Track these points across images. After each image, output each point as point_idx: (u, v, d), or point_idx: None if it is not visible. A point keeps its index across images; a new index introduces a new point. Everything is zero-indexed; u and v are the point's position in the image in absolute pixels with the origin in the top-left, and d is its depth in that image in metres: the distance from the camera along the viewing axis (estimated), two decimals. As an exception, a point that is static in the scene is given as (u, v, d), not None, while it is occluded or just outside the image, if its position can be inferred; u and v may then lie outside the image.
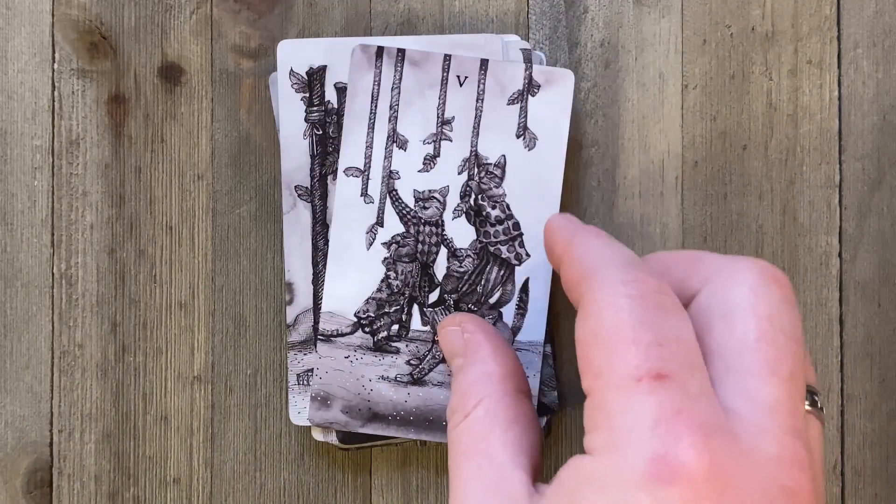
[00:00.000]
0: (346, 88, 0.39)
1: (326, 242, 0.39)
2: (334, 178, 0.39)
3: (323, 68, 0.39)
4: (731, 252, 0.41)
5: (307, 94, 0.39)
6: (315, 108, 0.39)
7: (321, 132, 0.39)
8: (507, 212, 0.39)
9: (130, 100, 0.41)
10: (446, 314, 0.38)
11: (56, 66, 0.41)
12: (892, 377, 0.41)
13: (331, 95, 0.39)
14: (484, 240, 0.39)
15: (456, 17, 0.41)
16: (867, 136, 0.41)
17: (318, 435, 0.39)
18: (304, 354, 0.39)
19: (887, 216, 0.41)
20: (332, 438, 0.39)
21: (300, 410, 0.39)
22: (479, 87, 0.39)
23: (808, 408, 0.30)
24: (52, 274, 0.40)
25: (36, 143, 0.41)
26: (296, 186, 0.39)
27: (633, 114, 0.41)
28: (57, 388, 0.40)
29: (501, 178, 0.39)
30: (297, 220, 0.39)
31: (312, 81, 0.39)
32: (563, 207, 0.41)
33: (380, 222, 0.39)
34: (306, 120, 0.39)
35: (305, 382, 0.39)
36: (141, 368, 0.40)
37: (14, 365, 0.40)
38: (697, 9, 0.41)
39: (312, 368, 0.39)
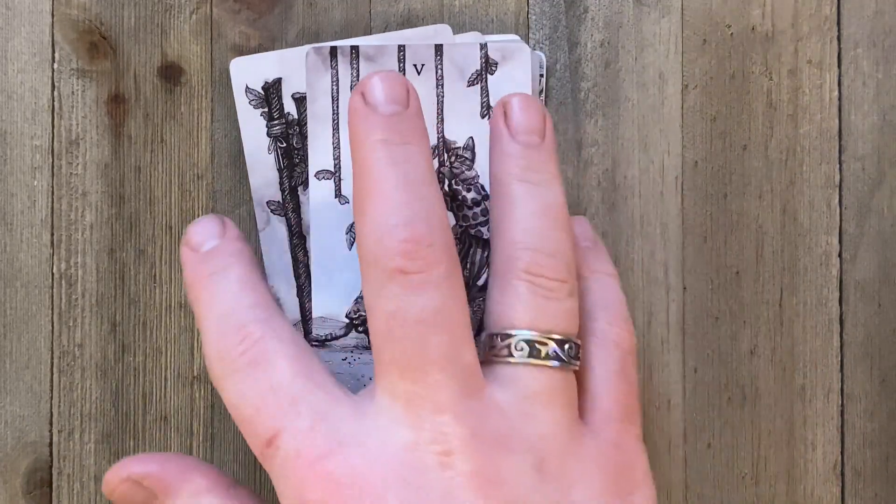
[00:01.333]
0: (304, 98, 0.39)
1: (306, 254, 0.39)
2: (304, 189, 0.39)
3: (278, 81, 0.39)
4: (731, 253, 0.41)
5: (266, 109, 0.39)
6: (276, 122, 0.39)
7: (285, 145, 0.39)
8: (483, 192, 0.39)
9: (130, 100, 0.41)
10: None
11: (56, 66, 0.41)
12: (892, 377, 0.41)
13: (290, 107, 0.39)
14: (463, 223, 0.39)
15: (456, 17, 0.41)
16: (867, 136, 0.41)
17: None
18: None
19: (887, 216, 0.41)
20: None
21: None
22: (437, 73, 0.39)
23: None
24: (52, 274, 0.40)
25: (36, 143, 0.41)
26: (267, 202, 0.39)
27: (633, 114, 0.41)
28: (57, 388, 0.40)
29: (472, 160, 0.39)
30: (273, 237, 0.39)
31: (269, 95, 0.39)
32: (563, 207, 0.41)
33: None
34: (269, 135, 0.39)
35: None
36: (141, 368, 0.40)
37: (14, 365, 0.40)
38: (697, 9, 0.41)
39: None
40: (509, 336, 0.31)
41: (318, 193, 0.39)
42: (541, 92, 0.40)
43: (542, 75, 0.40)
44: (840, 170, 0.41)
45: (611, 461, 0.31)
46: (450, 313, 0.30)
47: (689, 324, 0.40)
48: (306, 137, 0.39)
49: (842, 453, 0.41)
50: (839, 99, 0.41)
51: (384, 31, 0.41)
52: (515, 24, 0.41)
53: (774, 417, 0.40)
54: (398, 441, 0.29)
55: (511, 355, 0.31)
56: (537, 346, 0.31)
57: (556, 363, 0.31)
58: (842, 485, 0.40)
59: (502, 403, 0.30)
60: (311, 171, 0.39)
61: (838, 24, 0.41)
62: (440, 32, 0.39)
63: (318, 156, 0.39)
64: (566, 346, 0.31)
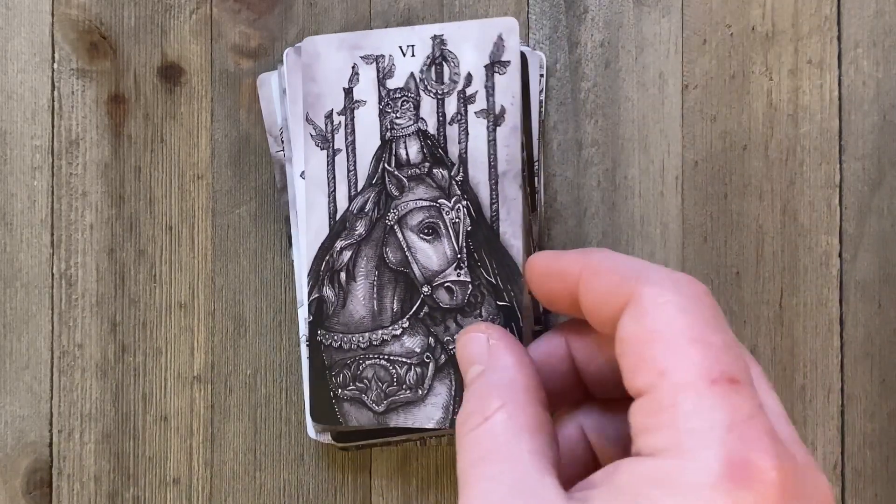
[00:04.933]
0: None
1: None
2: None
3: None
4: (731, 253, 0.41)
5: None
6: None
7: None
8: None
9: (130, 100, 0.41)
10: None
11: (56, 66, 0.41)
12: (892, 377, 0.41)
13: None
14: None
15: (456, 16, 0.41)
16: (867, 136, 0.41)
17: (313, 434, 0.39)
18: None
19: (887, 216, 0.41)
20: (327, 438, 0.39)
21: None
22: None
23: None
24: (52, 274, 0.40)
25: (36, 143, 0.41)
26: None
27: (633, 114, 0.41)
28: (57, 388, 0.40)
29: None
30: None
31: None
32: (564, 208, 0.41)
33: None
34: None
35: None
36: (141, 368, 0.40)
37: (14, 365, 0.40)
38: (697, 9, 0.41)
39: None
40: None
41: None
42: (540, 92, 0.40)
43: (542, 75, 0.40)
44: (840, 170, 0.41)
45: None
46: None
47: (689, 324, 0.40)
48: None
49: (842, 453, 0.41)
50: (839, 99, 0.41)
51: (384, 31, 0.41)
52: (515, 23, 0.41)
53: (774, 417, 0.40)
54: None
55: None
56: None
57: None
58: (842, 485, 0.40)
59: None
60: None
61: (838, 24, 0.41)
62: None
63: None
64: None
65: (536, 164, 0.40)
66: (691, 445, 0.25)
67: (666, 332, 0.27)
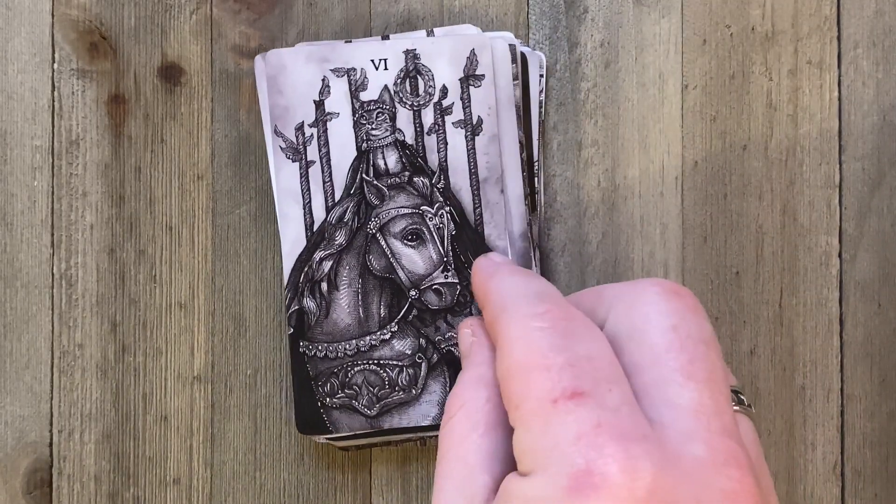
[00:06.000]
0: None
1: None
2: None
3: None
4: (731, 253, 0.41)
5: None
6: None
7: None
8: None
9: (130, 100, 0.41)
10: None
11: (56, 66, 0.41)
12: (892, 377, 0.41)
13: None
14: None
15: (456, 17, 0.41)
16: (867, 136, 0.41)
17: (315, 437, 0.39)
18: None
19: (887, 216, 0.41)
20: (323, 438, 0.39)
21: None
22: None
23: (734, 407, 0.30)
24: (52, 274, 0.40)
25: (36, 144, 0.41)
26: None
27: (633, 114, 0.41)
28: (57, 388, 0.40)
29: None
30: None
31: None
32: (564, 208, 0.41)
33: None
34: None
35: None
36: (141, 368, 0.40)
37: (14, 365, 0.40)
38: (697, 9, 0.41)
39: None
40: None
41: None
42: (540, 92, 0.40)
43: (541, 75, 0.40)
44: (840, 170, 0.41)
45: None
46: None
47: (689, 324, 0.40)
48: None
49: (842, 453, 0.41)
50: (839, 99, 0.41)
51: (384, 32, 0.41)
52: (515, 24, 0.41)
53: (774, 417, 0.40)
54: None
55: None
56: None
57: None
58: (842, 485, 0.40)
59: None
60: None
61: (838, 24, 0.41)
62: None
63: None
64: None
65: (536, 164, 0.40)
66: (543, 465, 0.26)
67: (514, 367, 0.28)
